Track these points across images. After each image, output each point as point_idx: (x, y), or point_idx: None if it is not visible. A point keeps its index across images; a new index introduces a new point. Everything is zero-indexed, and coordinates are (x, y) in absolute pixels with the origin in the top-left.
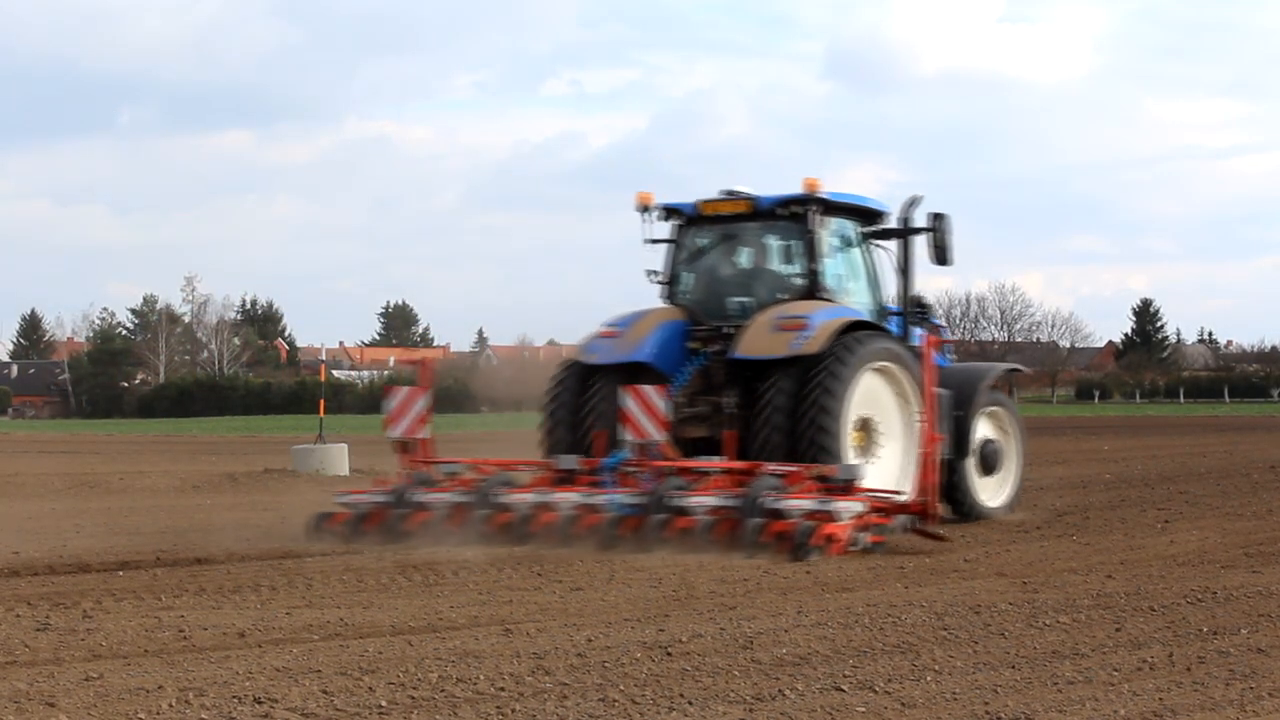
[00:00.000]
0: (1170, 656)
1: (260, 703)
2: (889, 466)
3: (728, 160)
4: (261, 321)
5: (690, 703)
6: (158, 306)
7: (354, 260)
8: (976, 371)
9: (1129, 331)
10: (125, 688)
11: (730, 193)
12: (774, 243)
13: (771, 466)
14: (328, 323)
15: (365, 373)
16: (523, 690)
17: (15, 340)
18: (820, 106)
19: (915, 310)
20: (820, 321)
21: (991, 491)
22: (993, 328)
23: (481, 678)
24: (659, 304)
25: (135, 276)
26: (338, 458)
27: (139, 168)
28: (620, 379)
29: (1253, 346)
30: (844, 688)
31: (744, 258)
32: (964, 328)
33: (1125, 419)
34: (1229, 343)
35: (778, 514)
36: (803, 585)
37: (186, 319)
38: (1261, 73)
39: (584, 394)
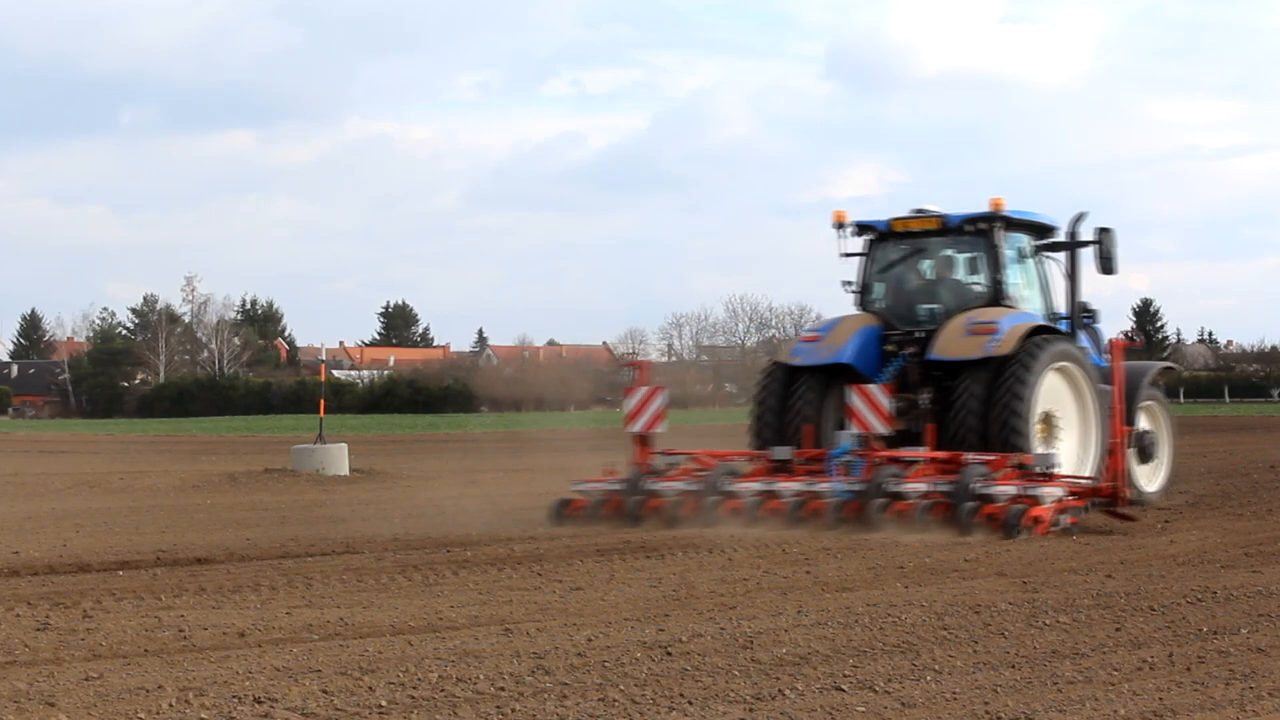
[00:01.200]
0: (1170, 656)
1: (260, 703)
2: (1067, 456)
3: (728, 160)
4: (261, 321)
5: (690, 703)
6: (158, 306)
7: (354, 260)
8: (1137, 370)
9: (1129, 331)
10: (125, 688)
11: (920, 211)
12: (959, 255)
13: (972, 456)
14: (328, 323)
15: (365, 373)
16: (523, 690)
17: (15, 340)
18: (821, 106)
19: (1082, 315)
20: (1008, 326)
21: (1148, 478)
22: None
23: (481, 678)
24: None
25: (135, 276)
26: (338, 457)
27: (139, 168)
28: (822, 379)
29: (1253, 346)
30: (844, 688)
31: (931, 269)
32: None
33: None
34: (1229, 343)
35: (988, 498)
36: (803, 585)
37: (186, 319)
38: (1261, 73)
39: (788, 392)
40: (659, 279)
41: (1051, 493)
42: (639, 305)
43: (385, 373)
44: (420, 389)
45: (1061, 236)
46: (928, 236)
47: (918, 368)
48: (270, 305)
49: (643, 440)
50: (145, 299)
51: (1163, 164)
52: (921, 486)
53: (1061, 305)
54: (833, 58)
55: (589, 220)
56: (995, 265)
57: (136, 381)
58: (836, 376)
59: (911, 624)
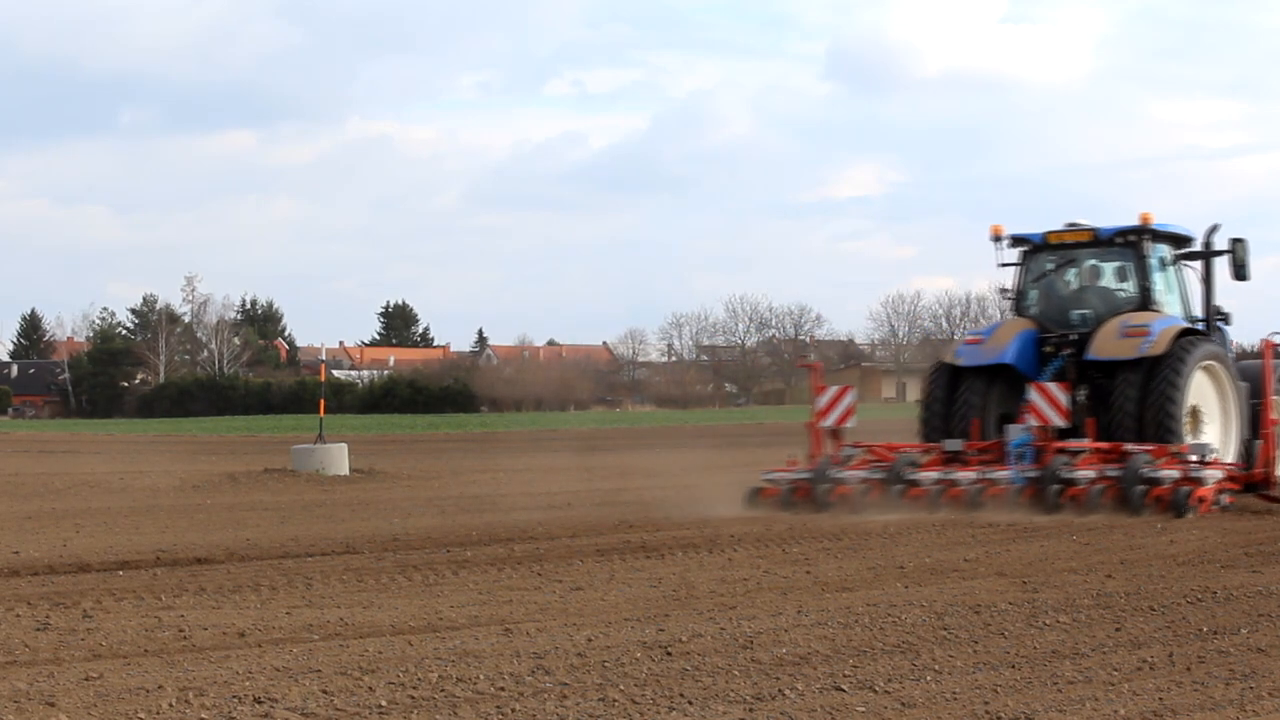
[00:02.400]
0: (1170, 656)
1: (260, 703)
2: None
3: (729, 160)
4: (261, 321)
5: (690, 703)
6: (158, 306)
7: (354, 260)
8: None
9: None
10: (125, 688)
11: (1073, 224)
12: (1107, 264)
13: (1132, 445)
14: (328, 323)
15: (365, 373)
16: (523, 690)
17: (15, 340)
18: (821, 107)
19: (1217, 318)
20: (1160, 329)
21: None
22: None
23: (481, 678)
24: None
25: (135, 276)
26: (338, 457)
27: (140, 168)
28: (985, 378)
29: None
30: (844, 688)
31: (1082, 277)
32: (964, 328)
33: None
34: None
35: (1156, 481)
36: (803, 585)
37: (186, 319)
38: (1261, 73)
39: (953, 390)
40: (659, 279)
41: (1213, 475)
42: (639, 305)
43: (385, 373)
44: (420, 389)
45: (1198, 246)
46: (1079, 248)
47: (1074, 367)
48: (270, 305)
49: (834, 435)
50: (145, 299)
51: (1163, 164)
52: (1091, 473)
53: (1198, 309)
54: (833, 58)
55: (589, 220)
56: (1143, 273)
57: (136, 381)
58: (997, 376)
59: (911, 624)
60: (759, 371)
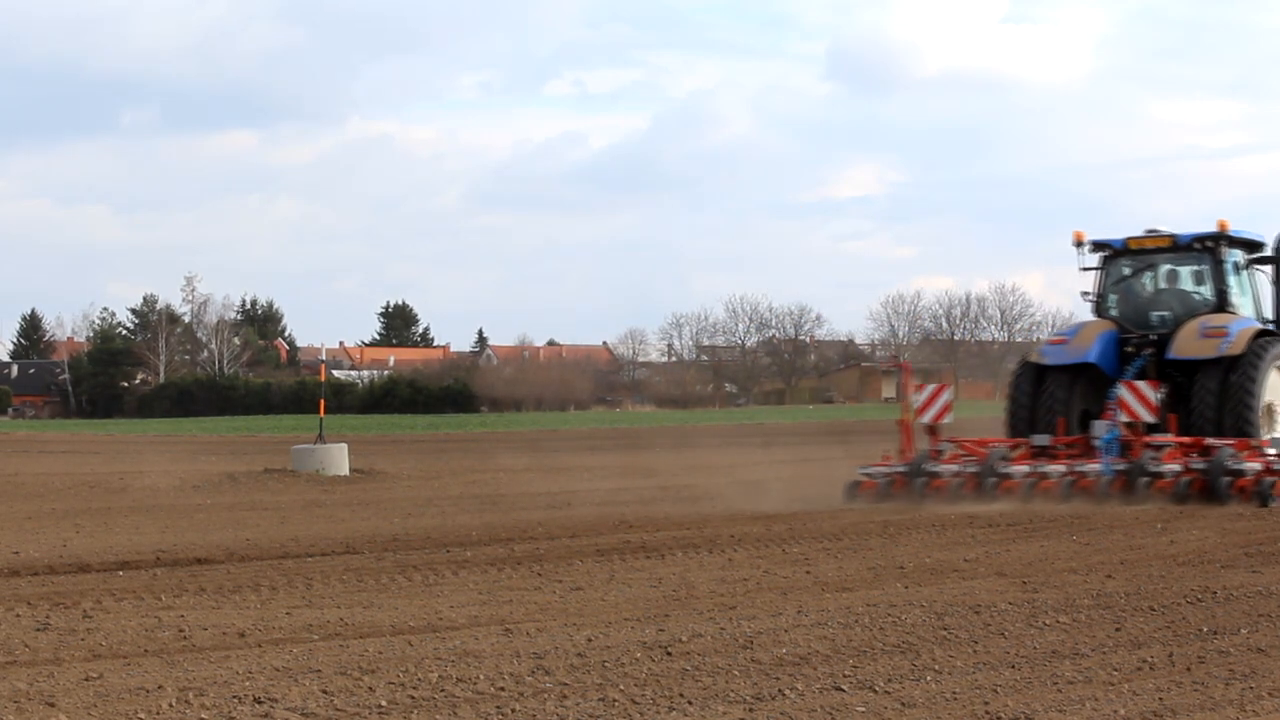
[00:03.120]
0: (1170, 656)
1: (260, 703)
2: None
3: (729, 160)
4: (261, 321)
5: (690, 703)
6: (158, 306)
7: (354, 260)
8: None
9: None
10: (125, 688)
11: (1152, 231)
12: (1184, 269)
13: (1212, 440)
14: (328, 323)
15: (365, 373)
16: (523, 690)
17: (15, 340)
18: (821, 106)
19: None
20: (1237, 330)
21: None
22: (993, 328)
23: (481, 678)
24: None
25: (135, 276)
26: (338, 457)
27: (140, 168)
28: (1069, 377)
29: None
30: (844, 688)
31: (1160, 280)
32: (964, 328)
33: None
34: None
35: (1239, 473)
36: (803, 585)
37: (186, 319)
38: (1261, 73)
39: (1038, 388)
40: (659, 279)
41: None
42: (639, 305)
43: (385, 373)
44: (420, 389)
45: (1269, 252)
46: (1158, 253)
47: (1154, 366)
48: (270, 305)
49: (931, 430)
50: (145, 299)
51: (1163, 164)
52: (1177, 466)
53: (1269, 310)
54: (833, 58)
55: (589, 220)
56: (1219, 277)
57: (136, 381)
58: (1080, 374)
59: (911, 624)
60: (759, 371)
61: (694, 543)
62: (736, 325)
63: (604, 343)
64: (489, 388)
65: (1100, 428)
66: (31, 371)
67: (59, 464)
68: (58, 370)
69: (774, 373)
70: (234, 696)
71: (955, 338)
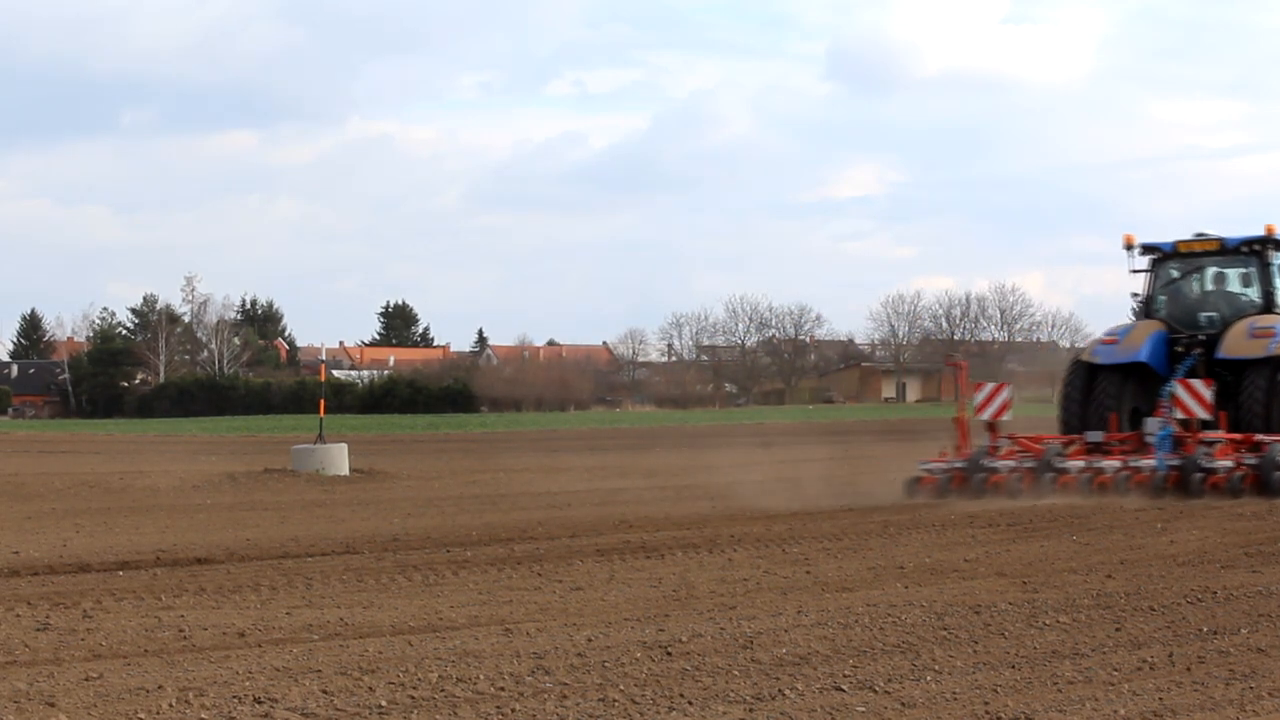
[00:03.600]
0: (1170, 656)
1: (260, 703)
2: None
3: (729, 160)
4: (261, 321)
5: (690, 703)
6: (158, 306)
7: (354, 260)
8: None
9: None
10: (125, 688)
11: (1201, 235)
12: (1232, 271)
13: (1262, 436)
14: (328, 323)
15: (365, 373)
16: (523, 690)
17: (15, 340)
18: (822, 107)
19: None
20: None
21: None
22: (993, 328)
23: (481, 678)
24: None
25: (135, 276)
26: (338, 457)
27: (140, 168)
28: (1120, 375)
29: None
30: (844, 688)
31: (1208, 282)
32: (964, 328)
33: None
34: None
35: None
36: (803, 585)
37: (186, 319)
38: (1261, 73)
39: (1089, 386)
40: (659, 279)
41: None
42: (639, 305)
43: (385, 373)
44: (420, 389)
45: None
46: (1206, 256)
47: (1203, 365)
48: (270, 305)
49: (991, 427)
50: (145, 299)
51: (1163, 164)
52: (1229, 462)
53: None
54: (833, 58)
55: (589, 220)
56: (1267, 280)
57: (136, 381)
58: (1131, 373)
59: (911, 624)
60: (759, 371)
61: (694, 543)
62: (736, 325)
63: (604, 343)
64: (489, 388)
65: (1154, 424)
66: (31, 371)
67: (59, 464)
68: (58, 370)
69: (774, 373)
70: (234, 696)
71: (955, 337)
